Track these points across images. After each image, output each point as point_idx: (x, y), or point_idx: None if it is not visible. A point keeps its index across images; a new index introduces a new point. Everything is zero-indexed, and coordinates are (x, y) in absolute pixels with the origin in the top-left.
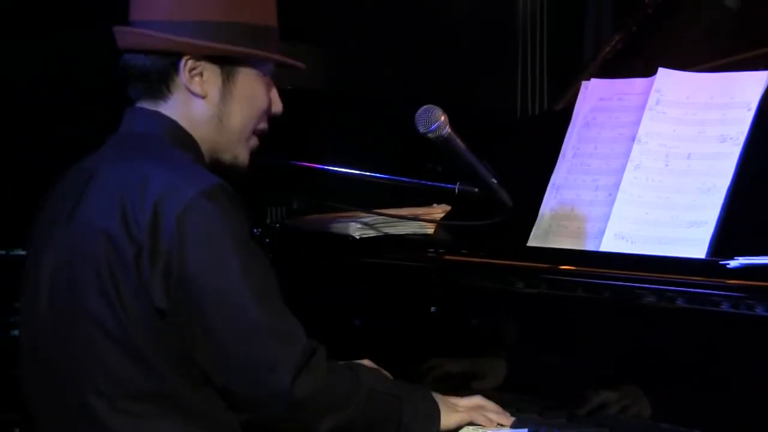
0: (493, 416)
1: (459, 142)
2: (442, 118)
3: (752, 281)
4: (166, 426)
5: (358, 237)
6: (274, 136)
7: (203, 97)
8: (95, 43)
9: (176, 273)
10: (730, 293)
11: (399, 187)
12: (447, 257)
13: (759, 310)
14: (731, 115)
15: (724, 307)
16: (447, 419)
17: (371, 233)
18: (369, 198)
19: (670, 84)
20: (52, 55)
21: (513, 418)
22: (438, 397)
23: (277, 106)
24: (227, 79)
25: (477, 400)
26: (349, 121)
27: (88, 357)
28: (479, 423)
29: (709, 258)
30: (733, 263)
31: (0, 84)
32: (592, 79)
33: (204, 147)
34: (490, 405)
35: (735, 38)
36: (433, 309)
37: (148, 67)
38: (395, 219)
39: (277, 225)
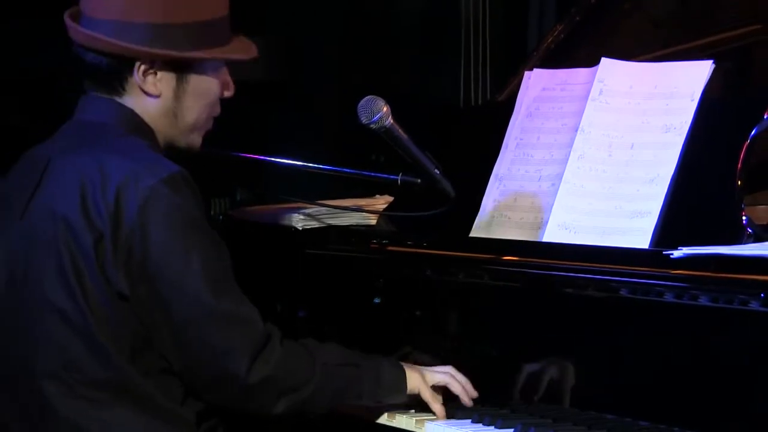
0: (461, 388)
1: (401, 133)
2: (385, 108)
3: (696, 271)
4: (119, 414)
5: (300, 228)
6: (217, 128)
7: (157, 96)
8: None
9: (138, 259)
10: (673, 283)
11: (342, 178)
12: (390, 248)
13: (702, 300)
14: (675, 105)
15: (668, 297)
16: (413, 382)
17: (314, 224)
18: (312, 189)
19: (614, 74)
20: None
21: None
22: (407, 364)
23: (229, 91)
24: (181, 78)
25: (447, 369)
26: (293, 113)
27: (45, 343)
28: (455, 390)
29: (653, 248)
30: (676, 253)
31: None
32: (535, 69)
33: (159, 136)
34: (459, 376)
35: (679, 28)
36: (376, 300)
37: (102, 66)
38: (338, 210)
39: (221, 216)
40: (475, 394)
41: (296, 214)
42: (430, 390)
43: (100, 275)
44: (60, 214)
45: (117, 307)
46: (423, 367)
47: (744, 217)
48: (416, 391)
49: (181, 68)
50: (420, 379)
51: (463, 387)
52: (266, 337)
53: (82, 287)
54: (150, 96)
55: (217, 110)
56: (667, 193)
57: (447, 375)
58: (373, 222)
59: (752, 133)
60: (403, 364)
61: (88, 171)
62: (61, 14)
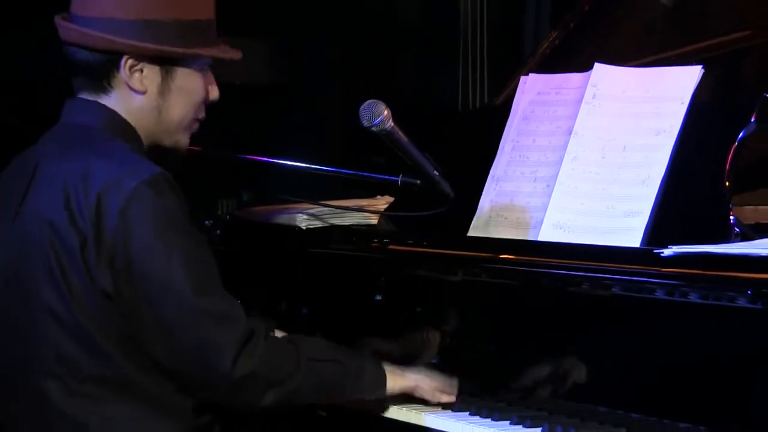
0: (434, 394)
1: (402, 136)
2: (385, 112)
3: (685, 269)
4: (118, 408)
5: (304, 227)
6: (225, 130)
7: (143, 93)
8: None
9: (121, 261)
10: (664, 281)
11: (344, 179)
12: (391, 247)
13: (692, 297)
14: (665, 109)
15: (659, 294)
16: (393, 382)
17: (317, 224)
18: (315, 190)
19: (606, 78)
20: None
21: (453, 398)
22: (385, 364)
23: (214, 94)
24: (166, 75)
25: (422, 374)
26: (297, 116)
27: (41, 342)
28: (425, 395)
29: (644, 247)
30: (666, 252)
31: None
32: (531, 74)
33: (144, 135)
34: (435, 380)
35: (669, 34)
36: (378, 297)
37: (90, 63)
38: (340, 210)
39: (228, 216)
40: (448, 399)
41: (300, 214)
42: (426, 386)
43: (86, 276)
44: (46, 217)
45: (104, 306)
46: (401, 371)
47: (732, 217)
48: (395, 392)
49: (166, 65)
50: (401, 381)
51: (433, 392)
52: (250, 333)
53: (69, 288)
54: (136, 92)
55: (203, 113)
56: (657, 193)
57: (421, 380)
58: (375, 222)
59: (739, 136)
60: (385, 366)
61: (72, 175)
62: (49, 16)
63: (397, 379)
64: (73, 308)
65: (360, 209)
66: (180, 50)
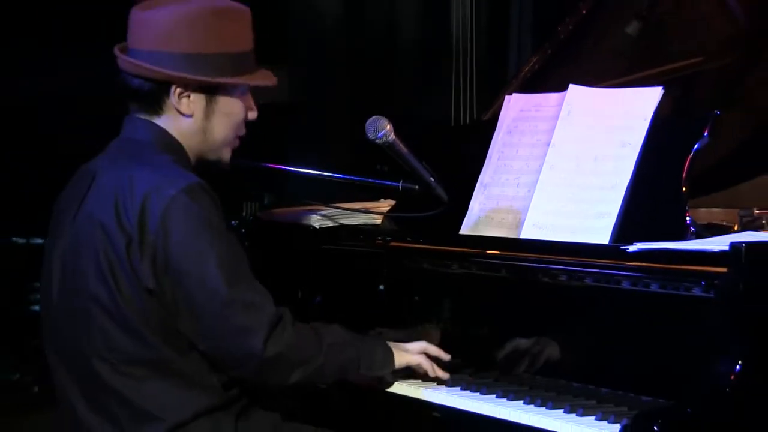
0: (433, 368)
1: (402, 147)
2: (388, 126)
3: (648, 263)
4: (160, 386)
5: (318, 227)
6: (248, 142)
7: (190, 116)
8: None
9: (161, 260)
10: (629, 273)
11: (352, 184)
12: (393, 244)
13: (653, 287)
14: (630, 124)
15: (625, 284)
16: (400, 359)
17: (329, 224)
18: (327, 194)
19: (580, 98)
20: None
21: (447, 375)
22: (391, 343)
23: (253, 114)
24: (211, 100)
25: (422, 344)
26: (311, 129)
27: (91, 329)
28: (425, 368)
29: (612, 244)
30: (632, 248)
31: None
32: (514, 94)
33: (191, 152)
34: (432, 348)
35: (634, 60)
36: (381, 287)
37: (144, 90)
38: (349, 211)
39: (251, 217)
40: (444, 375)
41: (314, 215)
42: (427, 362)
43: (131, 273)
44: (98, 220)
45: (146, 299)
46: (405, 347)
47: (688, 218)
48: (402, 367)
49: (211, 92)
50: (406, 357)
51: (433, 367)
52: (278, 319)
53: (116, 283)
54: (184, 116)
55: (243, 130)
56: (624, 197)
57: (422, 357)
58: (379, 222)
59: (694, 147)
60: (390, 344)
61: (122, 183)
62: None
63: (403, 356)
64: (119, 301)
65: (366, 211)
66: (223, 80)
